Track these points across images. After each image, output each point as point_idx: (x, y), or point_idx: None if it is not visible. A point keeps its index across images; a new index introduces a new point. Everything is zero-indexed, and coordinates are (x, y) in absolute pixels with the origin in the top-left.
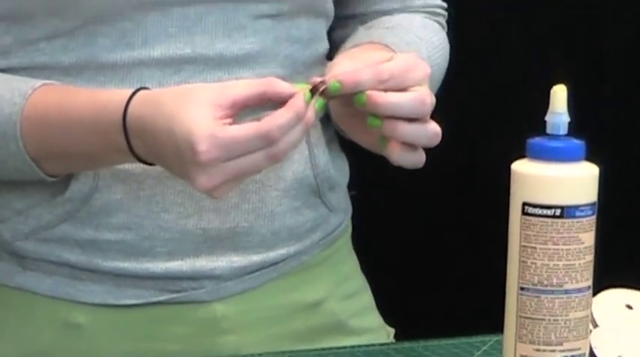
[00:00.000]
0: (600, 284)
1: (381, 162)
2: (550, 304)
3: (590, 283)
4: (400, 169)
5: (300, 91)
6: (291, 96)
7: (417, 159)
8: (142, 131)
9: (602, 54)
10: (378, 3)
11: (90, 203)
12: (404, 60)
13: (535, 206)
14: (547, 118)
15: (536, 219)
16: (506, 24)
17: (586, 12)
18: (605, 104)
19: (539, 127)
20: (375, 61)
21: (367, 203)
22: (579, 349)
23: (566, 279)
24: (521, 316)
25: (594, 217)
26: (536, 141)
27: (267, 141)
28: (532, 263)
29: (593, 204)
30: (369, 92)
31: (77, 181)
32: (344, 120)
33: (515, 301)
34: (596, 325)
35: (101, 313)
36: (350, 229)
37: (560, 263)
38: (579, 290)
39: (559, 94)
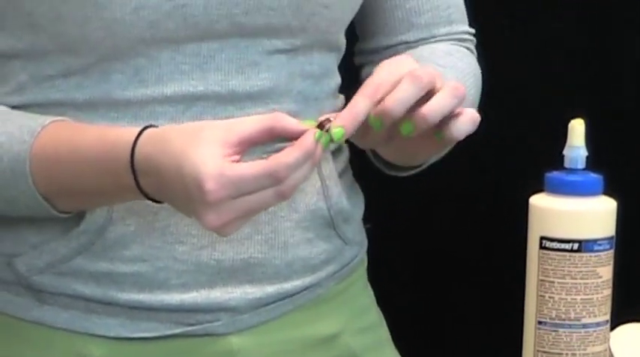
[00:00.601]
0: (618, 318)
1: (396, 194)
2: (568, 339)
3: (607, 317)
4: (416, 202)
5: (308, 128)
6: (298, 132)
7: (470, 118)
8: (150, 170)
9: (620, 88)
10: (403, 33)
11: (104, 236)
12: (382, 66)
13: (553, 240)
14: (565, 151)
15: (554, 253)
16: (523, 58)
17: (603, 46)
18: (623, 138)
19: (556, 161)
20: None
21: (383, 236)
22: None
23: (584, 313)
24: (539, 351)
25: (612, 251)
26: (554, 175)
27: (274, 180)
28: (550, 297)
29: (610, 238)
30: (414, 118)
31: (91, 213)
32: (389, 148)
33: (533, 336)
34: None
35: (116, 346)
36: (365, 262)
37: (578, 297)
38: (597, 324)
39: (577, 128)
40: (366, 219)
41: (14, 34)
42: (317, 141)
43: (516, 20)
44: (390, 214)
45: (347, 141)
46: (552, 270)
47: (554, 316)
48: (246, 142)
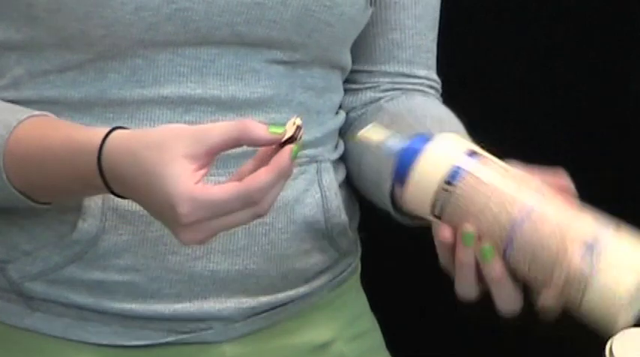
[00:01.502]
0: None
1: None
2: None
3: None
4: None
5: (277, 137)
6: (267, 141)
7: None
8: (119, 179)
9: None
10: (383, 63)
11: (97, 245)
12: None
13: None
14: None
15: None
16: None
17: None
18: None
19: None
20: None
21: (376, 243)
22: None
23: None
24: None
25: None
26: None
27: (248, 202)
28: None
29: None
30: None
31: (84, 222)
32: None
33: None
34: None
35: (109, 354)
36: (359, 270)
37: None
38: None
39: None
40: (360, 227)
41: (12, 25)
42: (294, 158)
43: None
44: (384, 222)
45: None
46: None
47: None
48: (214, 151)
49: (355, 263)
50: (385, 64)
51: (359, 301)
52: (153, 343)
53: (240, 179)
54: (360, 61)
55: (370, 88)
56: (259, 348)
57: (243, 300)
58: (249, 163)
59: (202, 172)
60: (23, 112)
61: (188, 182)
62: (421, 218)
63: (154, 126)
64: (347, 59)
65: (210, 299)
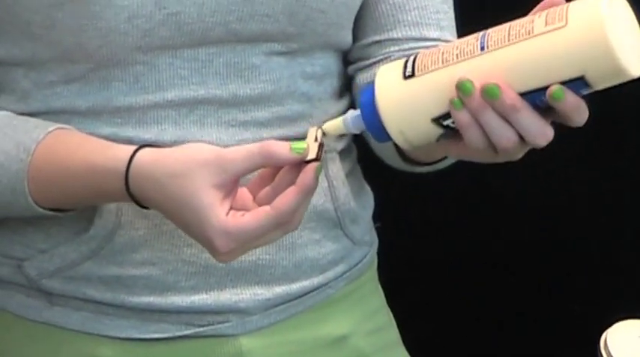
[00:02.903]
0: (615, 316)
1: (406, 192)
2: None
3: None
4: (427, 199)
5: (300, 156)
6: (289, 162)
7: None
8: (151, 203)
9: None
10: (390, 30)
11: (113, 240)
12: None
13: None
14: None
15: None
16: None
17: None
18: None
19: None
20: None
21: (394, 235)
22: None
23: None
24: None
25: None
26: None
27: (279, 224)
28: None
29: None
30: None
31: (100, 218)
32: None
33: None
34: (610, 356)
35: (127, 347)
36: (376, 263)
37: None
38: None
39: None
40: (376, 218)
41: (15, 42)
42: (318, 174)
43: None
44: (401, 213)
45: (355, 140)
46: None
47: None
48: (238, 179)
49: (371, 255)
50: (392, 30)
51: (376, 295)
52: (170, 336)
53: (269, 201)
54: (367, 33)
55: (382, 59)
56: (276, 341)
57: (259, 291)
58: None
59: (229, 199)
60: (38, 131)
61: (220, 215)
62: (431, 145)
63: (161, 128)
64: (347, 39)
65: (226, 290)
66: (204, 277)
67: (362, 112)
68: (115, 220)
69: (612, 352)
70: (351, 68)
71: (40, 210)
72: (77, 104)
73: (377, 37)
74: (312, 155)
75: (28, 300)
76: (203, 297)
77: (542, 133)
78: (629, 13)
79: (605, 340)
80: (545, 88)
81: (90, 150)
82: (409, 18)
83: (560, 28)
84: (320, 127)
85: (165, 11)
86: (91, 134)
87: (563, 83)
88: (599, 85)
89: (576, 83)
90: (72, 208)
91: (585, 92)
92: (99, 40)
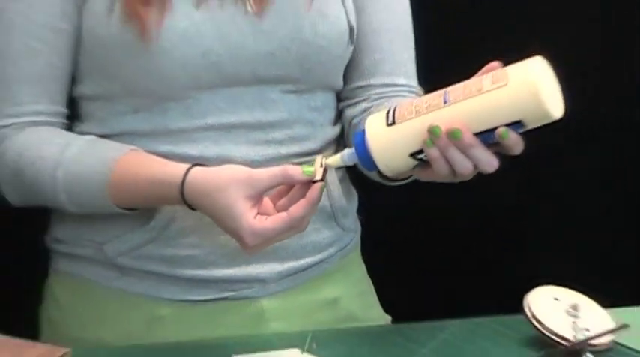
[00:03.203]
0: (535, 280)
1: (382, 193)
2: None
3: None
4: (400, 200)
5: (311, 177)
6: (302, 182)
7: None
8: (199, 208)
9: None
10: (370, 77)
11: (169, 228)
12: None
13: None
14: None
15: None
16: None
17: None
18: None
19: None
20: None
21: (372, 225)
22: None
23: None
24: None
25: None
26: None
27: (293, 227)
28: None
29: None
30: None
31: (159, 213)
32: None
33: None
34: (532, 313)
35: (179, 307)
36: (359, 244)
37: None
38: None
39: None
40: (359, 212)
41: (98, 83)
42: (322, 191)
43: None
44: (377, 209)
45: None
46: None
47: None
48: (264, 193)
49: (356, 239)
50: (372, 77)
51: (360, 268)
52: (211, 298)
53: (285, 208)
54: (354, 79)
55: (364, 99)
56: (288, 302)
57: (275, 265)
58: (285, 195)
59: (257, 207)
60: (114, 153)
61: (250, 220)
62: (407, 171)
63: (204, 145)
64: (339, 82)
65: (250, 265)
66: (235, 256)
67: (356, 151)
68: (171, 215)
69: (533, 310)
70: (340, 104)
71: (117, 209)
72: (141, 128)
73: (360, 83)
74: (318, 177)
75: (104, 271)
76: (235, 270)
77: (490, 163)
78: (549, 70)
79: (528, 298)
80: (493, 130)
81: (154, 167)
82: (385, 70)
83: (503, 86)
84: (325, 156)
85: (208, 61)
86: (151, 151)
87: (507, 126)
88: (532, 126)
89: (516, 125)
90: (140, 208)
91: (521, 131)
92: (160, 82)
